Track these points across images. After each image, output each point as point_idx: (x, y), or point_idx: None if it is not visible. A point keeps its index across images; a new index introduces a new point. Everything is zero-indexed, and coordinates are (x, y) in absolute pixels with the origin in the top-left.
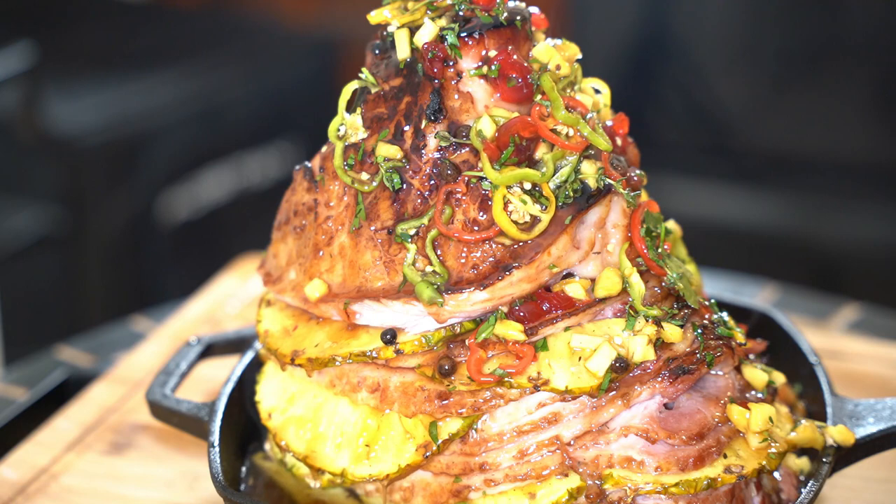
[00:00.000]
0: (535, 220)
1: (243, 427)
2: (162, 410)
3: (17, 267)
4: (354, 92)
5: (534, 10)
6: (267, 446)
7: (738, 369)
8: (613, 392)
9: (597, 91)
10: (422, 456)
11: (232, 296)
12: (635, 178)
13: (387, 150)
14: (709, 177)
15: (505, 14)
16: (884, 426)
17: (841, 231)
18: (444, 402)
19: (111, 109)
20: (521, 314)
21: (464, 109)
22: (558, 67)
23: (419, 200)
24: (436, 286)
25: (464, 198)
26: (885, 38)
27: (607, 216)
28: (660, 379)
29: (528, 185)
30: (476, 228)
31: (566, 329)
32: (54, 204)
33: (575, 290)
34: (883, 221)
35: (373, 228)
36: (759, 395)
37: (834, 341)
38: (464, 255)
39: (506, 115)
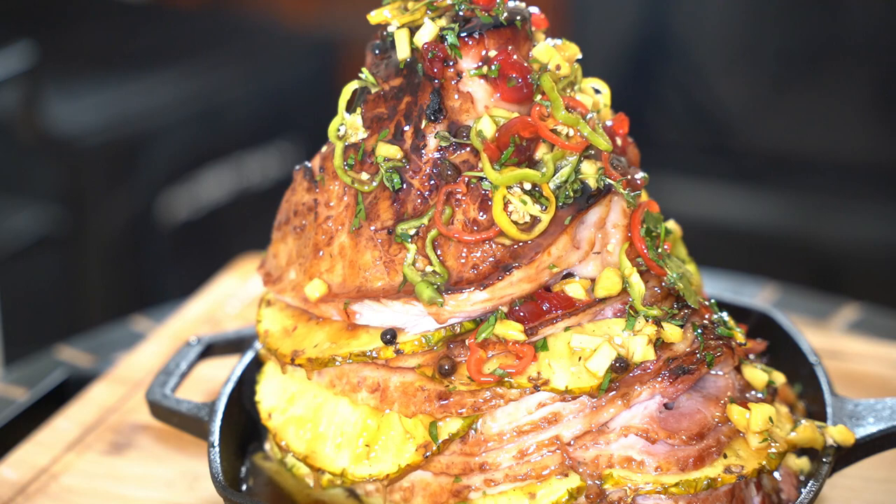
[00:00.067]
0: (535, 220)
1: (243, 427)
2: (162, 410)
3: (17, 267)
4: (354, 92)
5: (534, 10)
6: (267, 446)
7: (738, 369)
8: (613, 392)
9: (597, 91)
10: (422, 456)
11: (232, 296)
12: (638, 181)
13: (387, 150)
14: (709, 177)
15: (505, 14)
16: (884, 426)
17: (841, 231)
18: (444, 402)
19: (111, 109)
20: (521, 314)
21: (464, 109)
22: (558, 67)
23: (419, 200)
24: (436, 286)
25: (464, 198)
26: (885, 38)
27: (607, 216)
28: (660, 379)
29: (528, 186)
30: (476, 229)
31: (566, 329)
32: (54, 204)
33: (575, 290)
34: (883, 221)
35: (373, 228)
36: (759, 395)
37: (834, 341)
38: (464, 255)
39: (506, 116)
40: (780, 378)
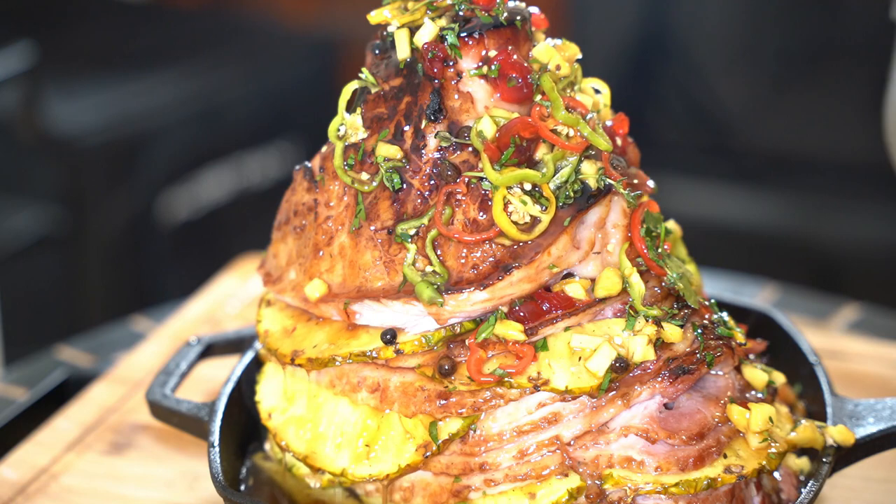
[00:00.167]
0: (535, 220)
1: (243, 427)
2: (162, 410)
3: (17, 267)
4: (354, 92)
5: (534, 10)
6: (267, 446)
7: (738, 369)
8: (613, 392)
9: (597, 91)
10: (422, 456)
11: (232, 296)
12: (649, 186)
13: (387, 150)
14: (709, 177)
15: (505, 14)
16: (884, 426)
17: (841, 231)
18: (444, 402)
19: (111, 109)
20: (521, 314)
21: (464, 109)
22: (558, 67)
23: (419, 200)
24: (436, 286)
25: (464, 198)
26: (885, 38)
27: (607, 216)
28: (660, 379)
29: (528, 186)
30: (476, 229)
31: (566, 329)
32: (54, 204)
33: (575, 290)
34: (883, 221)
35: (373, 228)
36: (759, 395)
37: (834, 341)
38: (464, 255)
39: (506, 116)
40: (780, 378)
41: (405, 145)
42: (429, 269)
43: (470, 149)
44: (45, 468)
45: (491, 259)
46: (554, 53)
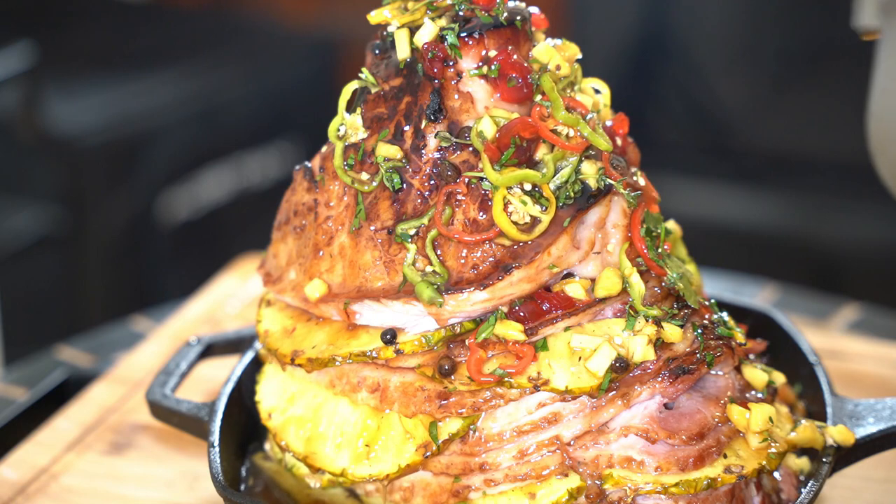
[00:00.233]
0: (535, 220)
1: (243, 427)
2: (162, 410)
3: (17, 267)
4: (354, 92)
5: (534, 10)
6: (267, 446)
7: (738, 369)
8: (613, 392)
9: (597, 91)
10: (422, 456)
11: (232, 296)
12: (655, 196)
13: (387, 150)
14: (709, 177)
15: (505, 14)
16: (884, 426)
17: (841, 231)
18: (444, 402)
19: (111, 109)
20: (521, 314)
21: (464, 109)
22: (558, 67)
23: (419, 200)
24: (436, 286)
25: (464, 198)
26: None
27: (607, 216)
28: (660, 379)
29: (528, 186)
30: (476, 229)
31: (566, 329)
32: (54, 204)
33: (575, 290)
34: (883, 221)
35: (373, 228)
36: (759, 395)
37: (834, 341)
38: (464, 255)
39: (506, 116)
40: (780, 378)
41: (405, 145)
42: (429, 269)
43: (470, 149)
44: (45, 468)
45: (491, 259)
46: (554, 53)
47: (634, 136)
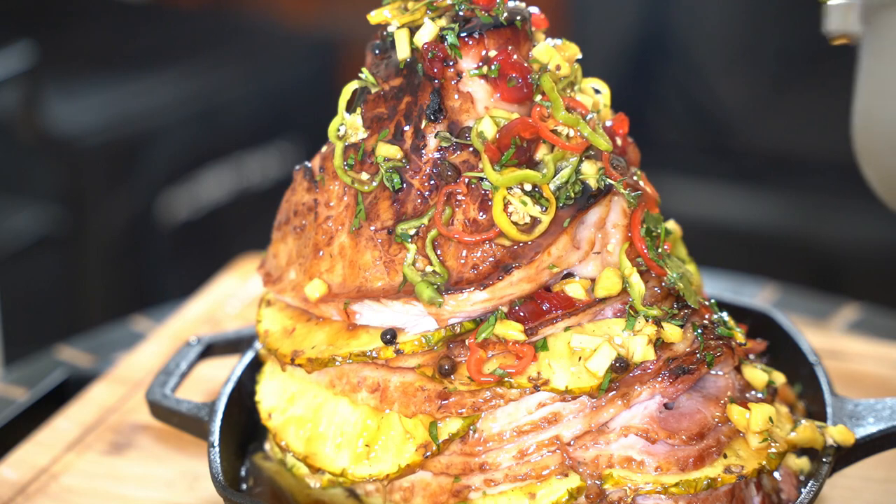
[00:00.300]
0: (535, 221)
1: (243, 427)
2: (162, 410)
3: (17, 267)
4: (354, 92)
5: (534, 10)
6: (267, 446)
7: (738, 369)
8: (613, 392)
9: (597, 91)
10: (422, 456)
11: (232, 296)
12: (655, 197)
13: (387, 150)
14: (709, 177)
15: (505, 14)
16: (884, 426)
17: (841, 231)
18: (444, 402)
19: (111, 109)
20: (521, 314)
21: (464, 109)
22: (558, 67)
23: (419, 200)
24: (436, 286)
25: (464, 199)
26: None
27: (607, 216)
28: (660, 379)
29: (528, 186)
30: (476, 229)
31: (566, 329)
32: (54, 204)
33: (575, 290)
34: (883, 221)
35: (373, 228)
36: (759, 395)
37: (834, 341)
38: (464, 255)
39: (506, 116)
40: (780, 378)
41: (405, 145)
42: (429, 269)
43: (470, 149)
44: (45, 468)
45: (491, 259)
46: (554, 53)
47: (634, 136)
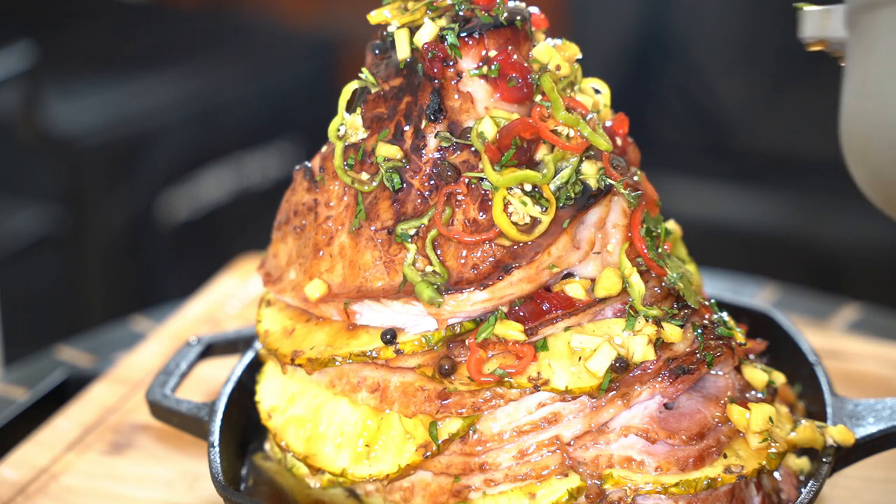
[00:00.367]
0: (535, 221)
1: (243, 427)
2: (162, 410)
3: (17, 267)
4: (354, 92)
5: (534, 10)
6: (267, 446)
7: (738, 369)
8: (613, 392)
9: (597, 91)
10: (422, 456)
11: (232, 296)
12: (656, 200)
13: (387, 150)
14: (709, 177)
15: (505, 14)
16: (884, 426)
17: (841, 231)
18: (444, 402)
19: (111, 109)
20: (521, 314)
21: (464, 109)
22: (558, 67)
23: (419, 200)
24: (436, 286)
25: (464, 199)
26: None
27: (607, 216)
28: (660, 379)
29: (528, 187)
30: (476, 229)
31: (566, 329)
32: (54, 204)
33: (575, 290)
34: (883, 221)
35: (373, 228)
36: (759, 395)
37: (834, 341)
38: (464, 255)
39: (506, 116)
40: (780, 378)
41: (405, 145)
42: (429, 269)
43: (470, 149)
44: (45, 468)
45: (491, 259)
46: (554, 53)
47: (634, 136)
